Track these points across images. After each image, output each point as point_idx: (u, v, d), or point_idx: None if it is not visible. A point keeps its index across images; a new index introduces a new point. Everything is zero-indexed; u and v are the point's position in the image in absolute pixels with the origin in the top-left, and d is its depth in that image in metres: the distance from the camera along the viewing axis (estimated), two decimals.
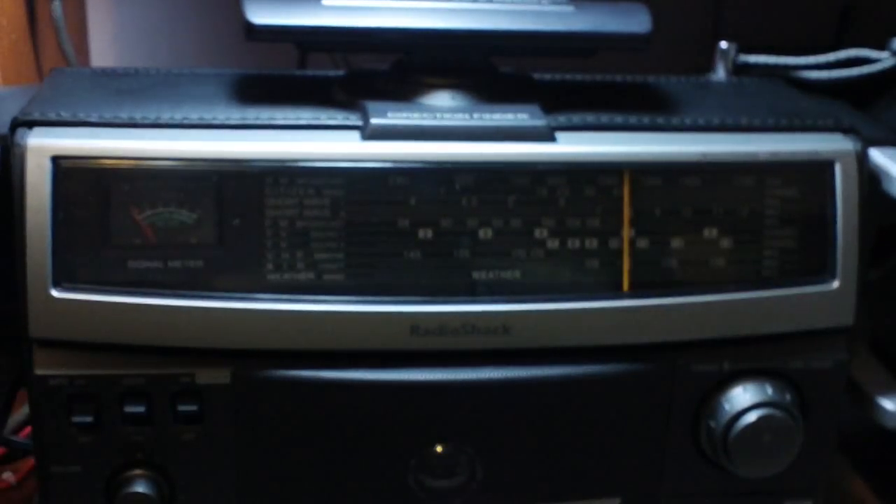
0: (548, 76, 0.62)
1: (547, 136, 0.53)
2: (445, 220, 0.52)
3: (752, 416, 0.54)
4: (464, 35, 0.54)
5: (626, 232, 0.53)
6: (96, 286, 0.50)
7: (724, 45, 0.65)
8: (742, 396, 0.55)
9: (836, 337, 0.56)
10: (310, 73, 0.65)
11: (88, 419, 0.51)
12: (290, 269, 0.51)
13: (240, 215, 0.51)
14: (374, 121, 0.52)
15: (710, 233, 0.54)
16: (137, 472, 0.53)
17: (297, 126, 0.53)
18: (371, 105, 0.54)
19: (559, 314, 0.53)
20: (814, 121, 0.57)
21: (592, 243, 0.53)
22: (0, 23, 0.72)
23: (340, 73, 0.61)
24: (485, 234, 0.52)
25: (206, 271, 0.51)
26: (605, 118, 0.55)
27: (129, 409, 0.52)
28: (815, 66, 0.64)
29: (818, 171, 0.54)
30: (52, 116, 0.52)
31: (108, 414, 0.52)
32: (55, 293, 0.50)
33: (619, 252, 0.53)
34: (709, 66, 0.66)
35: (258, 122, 0.53)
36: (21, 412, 0.71)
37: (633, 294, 0.53)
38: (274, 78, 0.62)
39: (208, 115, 0.53)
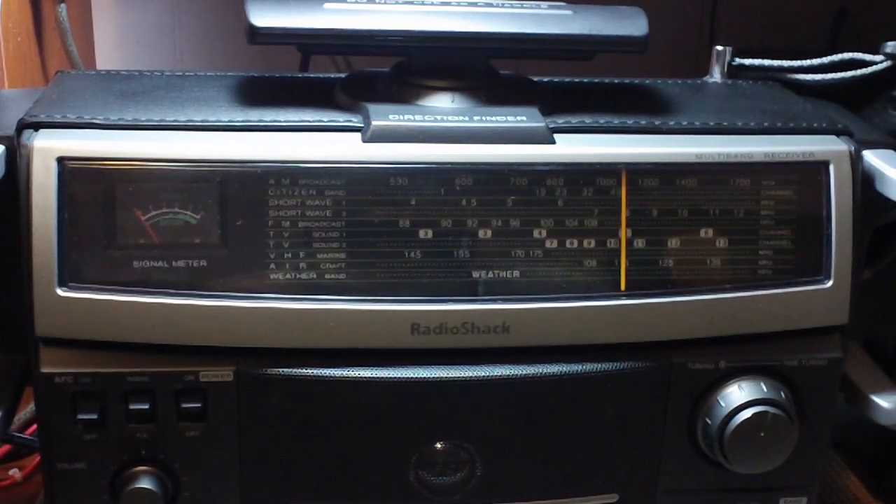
0: (546, 79, 0.63)
1: (546, 138, 0.54)
2: (445, 220, 0.53)
3: (747, 414, 0.55)
4: (464, 38, 0.55)
5: (624, 232, 0.54)
6: (101, 285, 0.51)
7: (719, 48, 0.66)
8: (738, 394, 0.55)
9: (831, 335, 0.57)
10: (312, 75, 0.66)
11: (93, 416, 0.52)
12: (292, 269, 0.52)
13: (243, 216, 0.51)
14: (375, 123, 0.53)
15: (706, 233, 0.54)
16: (142, 468, 0.53)
17: (300, 128, 0.53)
18: (372, 107, 0.54)
19: (558, 313, 0.53)
20: (808, 123, 0.57)
21: (590, 243, 0.54)
22: (6, 26, 0.72)
23: (342, 75, 0.61)
24: (484, 234, 0.53)
25: (209, 271, 0.51)
26: (602, 120, 0.56)
27: (134, 406, 0.52)
28: (809, 68, 0.65)
29: (812, 172, 0.55)
30: (58, 118, 0.52)
31: (112, 411, 0.52)
32: (61, 292, 0.50)
33: (617, 252, 0.54)
34: (705, 69, 0.67)
35: (261, 124, 0.53)
36: (27, 409, 0.72)
37: (631, 293, 0.54)
38: (276, 80, 0.62)
39: (212, 118, 0.54)
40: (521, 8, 0.56)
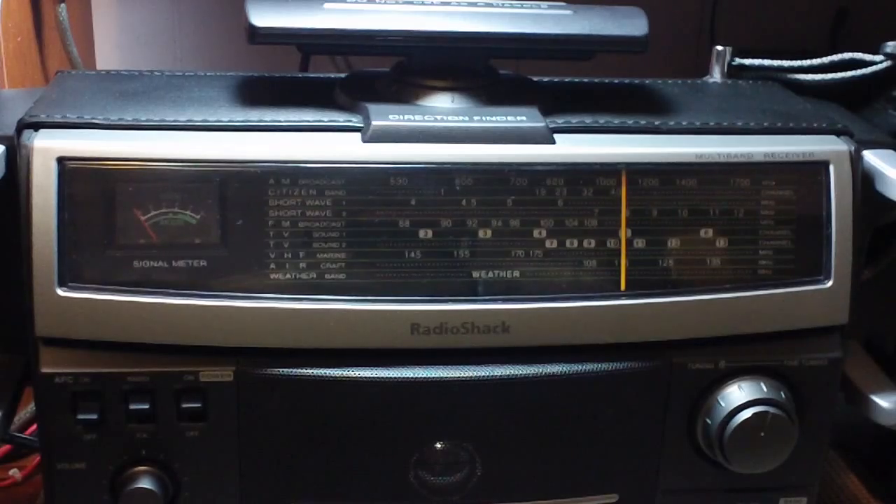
0: (546, 79, 0.63)
1: (545, 138, 0.54)
2: (445, 220, 0.53)
3: (747, 414, 0.55)
4: (464, 38, 0.55)
5: (624, 232, 0.54)
6: (101, 285, 0.51)
7: (719, 48, 0.66)
8: (738, 394, 0.55)
9: (831, 335, 0.57)
10: (312, 75, 0.66)
11: (93, 416, 0.52)
12: (292, 269, 0.52)
13: (243, 216, 0.51)
14: (375, 123, 0.53)
15: (706, 233, 0.54)
16: (142, 468, 0.53)
17: (300, 128, 0.53)
18: (372, 107, 0.54)
19: (558, 313, 0.53)
20: (808, 122, 0.57)
21: (590, 243, 0.54)
22: (6, 26, 0.72)
23: (342, 75, 0.61)
24: (484, 234, 0.53)
25: (209, 271, 0.51)
26: (602, 120, 0.56)
27: (134, 406, 0.52)
28: (809, 68, 0.65)
29: (812, 172, 0.55)
30: (58, 118, 0.52)
31: (112, 411, 0.52)
32: (61, 292, 0.50)
33: (617, 252, 0.54)
34: (705, 69, 0.67)
35: (261, 124, 0.53)
36: (27, 409, 0.72)
37: (631, 293, 0.54)
38: (276, 80, 0.62)
39: (212, 118, 0.54)
40: (521, 8, 0.56)
